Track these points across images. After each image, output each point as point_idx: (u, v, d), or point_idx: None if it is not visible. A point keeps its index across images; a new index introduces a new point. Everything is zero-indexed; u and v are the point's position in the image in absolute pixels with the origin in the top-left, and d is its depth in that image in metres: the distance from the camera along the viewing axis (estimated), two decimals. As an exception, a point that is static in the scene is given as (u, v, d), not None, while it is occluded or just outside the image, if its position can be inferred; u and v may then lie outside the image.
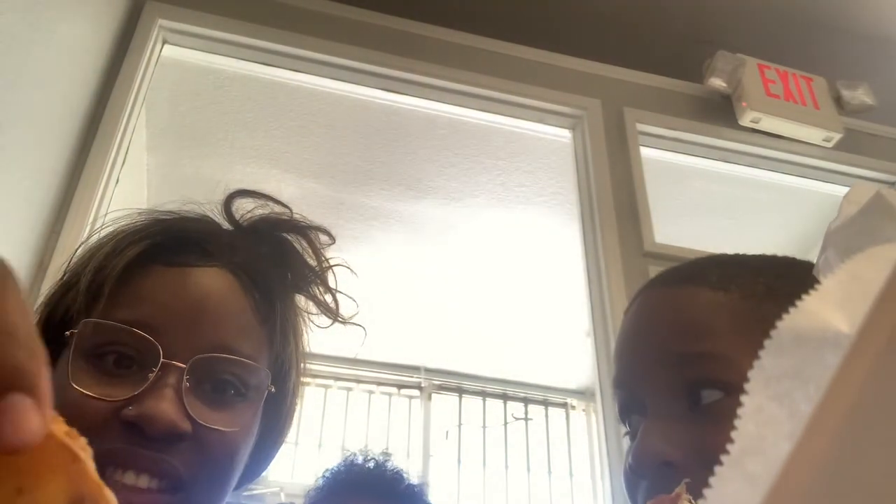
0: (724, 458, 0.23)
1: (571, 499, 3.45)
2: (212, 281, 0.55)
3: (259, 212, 0.63)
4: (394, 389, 3.56)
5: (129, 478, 0.48)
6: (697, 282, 0.57)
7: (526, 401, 3.66)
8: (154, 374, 0.50)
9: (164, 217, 0.60)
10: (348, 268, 0.66)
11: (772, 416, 0.22)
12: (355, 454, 1.21)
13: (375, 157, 2.43)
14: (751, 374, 0.24)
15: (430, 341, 3.43)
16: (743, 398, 0.23)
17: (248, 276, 0.57)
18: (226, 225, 0.63)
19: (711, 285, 0.56)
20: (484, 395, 3.62)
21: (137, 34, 1.83)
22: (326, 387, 3.43)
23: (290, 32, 1.97)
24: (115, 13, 1.81)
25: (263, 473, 0.65)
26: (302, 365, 0.63)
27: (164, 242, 0.56)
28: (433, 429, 3.47)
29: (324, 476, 1.18)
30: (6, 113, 1.33)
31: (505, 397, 3.64)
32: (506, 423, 3.57)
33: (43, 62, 1.46)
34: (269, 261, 0.61)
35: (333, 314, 0.63)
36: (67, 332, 0.52)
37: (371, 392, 3.52)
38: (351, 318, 0.64)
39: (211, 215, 0.63)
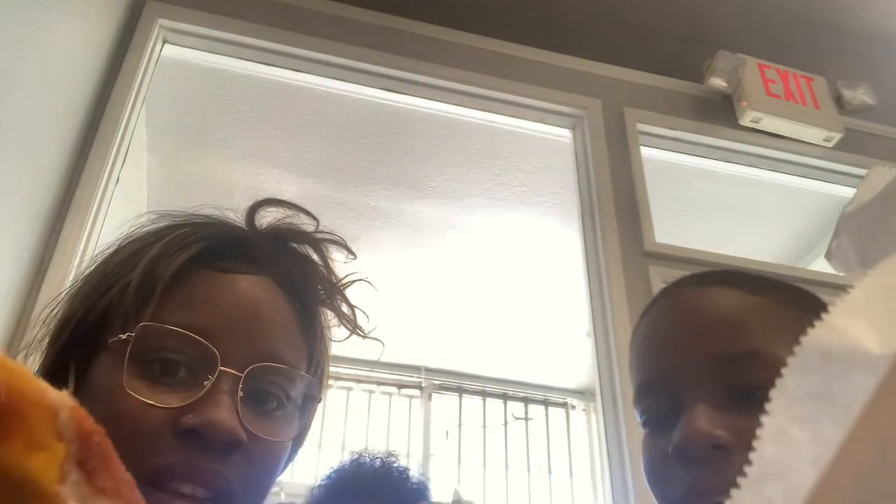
0: (741, 480, 0.22)
1: (571, 499, 3.45)
2: (261, 289, 0.55)
3: (287, 221, 0.62)
4: (394, 389, 3.56)
5: (187, 489, 0.47)
6: (731, 285, 0.57)
7: (526, 401, 3.66)
8: (209, 381, 0.48)
9: (208, 221, 0.59)
10: (369, 282, 0.65)
11: (794, 439, 0.21)
12: (361, 454, 1.20)
13: (375, 157, 2.43)
14: (772, 393, 0.22)
15: (430, 341, 3.43)
16: (763, 419, 0.22)
17: (290, 286, 0.57)
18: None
19: (745, 289, 0.56)
20: (484, 395, 3.62)
21: (137, 34, 1.83)
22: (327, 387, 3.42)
23: (290, 32, 1.97)
24: (115, 13, 1.81)
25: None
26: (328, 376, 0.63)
27: (214, 248, 0.55)
28: (433, 429, 3.47)
29: (329, 475, 1.17)
30: (6, 113, 1.33)
31: (505, 397, 3.64)
32: (506, 423, 3.57)
33: (43, 62, 1.46)
34: (303, 272, 0.61)
35: (354, 327, 0.63)
36: (122, 336, 0.49)
37: (371, 392, 3.52)
38: (370, 332, 0.65)
39: (237, 222, 0.62)
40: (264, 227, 0.61)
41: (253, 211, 0.61)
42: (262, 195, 0.63)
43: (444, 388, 3.59)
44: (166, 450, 0.46)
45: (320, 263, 0.62)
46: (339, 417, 3.39)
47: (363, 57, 2.01)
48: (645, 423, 0.57)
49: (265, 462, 0.51)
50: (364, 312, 0.64)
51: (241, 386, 0.49)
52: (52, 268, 1.48)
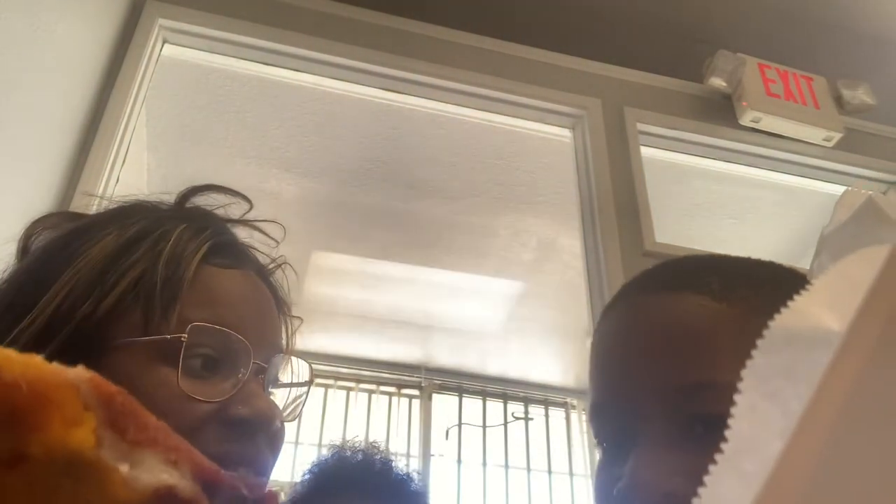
0: (717, 456, 0.23)
1: (571, 499, 3.45)
2: (255, 284, 0.58)
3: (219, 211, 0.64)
4: (394, 389, 3.56)
5: (242, 472, 0.49)
6: (698, 288, 0.51)
7: (526, 401, 3.66)
8: (243, 374, 0.51)
9: (201, 214, 0.61)
10: (290, 265, 0.66)
11: (765, 414, 0.22)
12: (342, 447, 1.19)
13: (375, 157, 2.43)
14: (744, 372, 0.24)
15: (430, 341, 3.43)
16: (736, 397, 0.23)
17: (264, 276, 0.61)
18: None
19: (714, 295, 0.50)
20: (484, 395, 3.62)
21: (137, 34, 1.84)
22: (327, 386, 3.43)
23: (290, 32, 1.97)
24: (115, 13, 1.81)
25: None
26: None
27: (220, 246, 0.57)
28: (433, 429, 3.47)
29: (310, 470, 1.15)
30: (6, 113, 1.33)
31: (505, 397, 3.64)
32: (506, 423, 3.57)
33: (43, 62, 1.46)
34: (262, 262, 0.63)
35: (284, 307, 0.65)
36: (176, 336, 0.49)
37: (371, 392, 3.52)
38: (298, 327, 0.67)
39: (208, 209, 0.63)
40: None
41: (187, 197, 0.63)
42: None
43: (444, 388, 3.59)
44: (211, 438, 0.49)
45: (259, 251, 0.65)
46: (339, 417, 3.39)
47: (363, 57, 2.01)
48: (598, 444, 0.53)
49: (281, 445, 0.55)
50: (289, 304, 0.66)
51: (261, 376, 0.54)
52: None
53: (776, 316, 0.24)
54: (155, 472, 0.23)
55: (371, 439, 1.25)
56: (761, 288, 0.51)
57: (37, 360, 0.23)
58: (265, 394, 0.53)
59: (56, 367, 0.23)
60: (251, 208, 0.64)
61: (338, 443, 1.20)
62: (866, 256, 0.25)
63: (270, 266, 0.64)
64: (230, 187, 0.64)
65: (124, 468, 0.23)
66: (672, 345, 0.48)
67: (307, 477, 1.13)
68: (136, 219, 0.57)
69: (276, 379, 0.58)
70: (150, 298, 0.51)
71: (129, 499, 0.23)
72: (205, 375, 0.50)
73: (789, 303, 0.24)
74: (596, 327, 0.57)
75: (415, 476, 1.16)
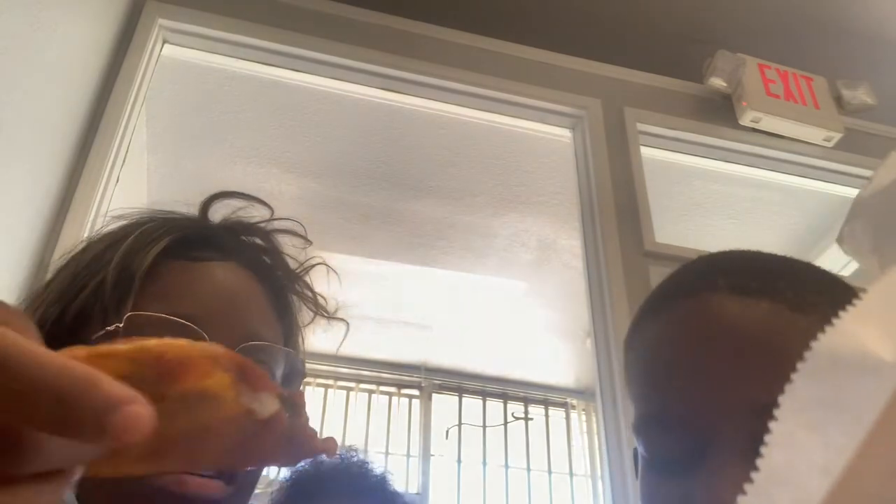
0: (748, 486, 0.21)
1: (571, 499, 3.45)
2: (234, 274, 0.57)
3: (240, 214, 0.64)
4: (394, 389, 3.56)
5: (198, 469, 0.48)
6: (774, 297, 0.46)
7: (526, 401, 3.66)
8: None
9: (172, 216, 0.61)
10: (327, 266, 0.67)
11: (803, 445, 0.20)
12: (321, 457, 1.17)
13: (375, 157, 2.43)
14: (781, 398, 0.22)
15: (430, 341, 3.43)
16: (772, 424, 0.21)
17: (257, 270, 0.60)
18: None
19: (790, 304, 0.46)
20: (484, 395, 3.62)
21: (137, 34, 1.83)
22: (327, 386, 3.43)
23: (290, 32, 1.97)
24: (115, 13, 1.81)
25: (263, 472, 0.65)
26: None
27: (182, 239, 0.57)
28: (433, 429, 3.47)
29: (288, 477, 1.15)
30: (6, 113, 1.33)
31: (505, 397, 3.64)
32: (506, 423, 3.57)
33: (43, 62, 1.46)
34: (266, 258, 0.63)
35: (319, 309, 0.65)
36: (110, 328, 0.50)
37: (371, 392, 3.52)
38: (335, 312, 0.66)
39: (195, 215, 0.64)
40: (230, 219, 0.63)
41: (207, 204, 0.63)
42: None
43: (444, 388, 3.59)
44: None
45: (278, 251, 0.64)
46: (339, 417, 3.39)
47: (363, 57, 2.01)
48: (648, 456, 0.48)
49: None
50: (324, 297, 0.65)
51: None
52: (52, 268, 1.47)
53: (820, 336, 0.22)
54: (271, 405, 0.30)
55: (350, 442, 1.24)
56: (831, 294, 0.47)
57: (182, 341, 0.27)
58: None
59: (198, 343, 0.28)
60: (273, 213, 0.65)
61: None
62: None
63: (300, 269, 0.64)
64: (250, 193, 0.65)
65: (255, 405, 0.29)
66: (753, 359, 0.44)
67: (286, 483, 1.13)
68: (113, 228, 0.59)
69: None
70: (104, 298, 0.52)
71: (248, 419, 0.29)
72: None
73: (835, 321, 0.22)
74: (637, 324, 0.52)
75: (390, 476, 1.15)
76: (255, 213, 0.65)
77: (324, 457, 1.14)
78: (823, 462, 0.20)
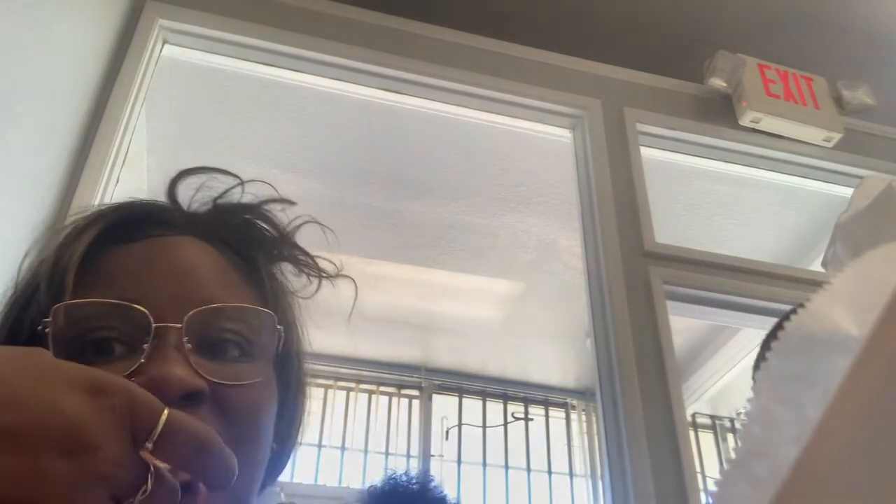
0: (728, 459, 0.22)
1: (571, 499, 3.45)
2: (182, 245, 0.53)
3: (206, 194, 0.61)
4: (394, 389, 3.56)
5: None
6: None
7: (526, 401, 3.66)
8: (149, 343, 0.46)
9: (111, 205, 0.58)
10: (318, 222, 0.63)
11: (778, 418, 0.22)
12: (398, 474, 1.18)
13: (375, 157, 2.43)
14: (757, 375, 0.23)
15: (430, 341, 3.43)
16: (749, 400, 0.23)
17: (218, 238, 0.56)
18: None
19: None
20: (484, 395, 3.62)
21: (137, 34, 1.83)
22: (327, 387, 3.43)
23: (290, 32, 1.97)
24: (115, 13, 1.81)
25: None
26: (305, 343, 0.60)
27: (119, 222, 0.54)
28: (433, 429, 3.47)
29: (368, 494, 1.15)
30: (6, 113, 1.33)
31: (505, 397, 3.64)
32: (506, 423, 3.57)
33: (43, 62, 1.46)
34: (236, 232, 0.59)
35: (316, 269, 0.60)
36: (38, 327, 0.47)
37: (371, 392, 3.52)
38: (337, 274, 0.61)
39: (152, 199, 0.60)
40: (198, 201, 0.60)
41: (174, 184, 0.60)
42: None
43: (444, 388, 3.59)
44: None
45: (260, 221, 0.60)
46: (339, 418, 3.39)
47: (363, 57, 2.01)
48: None
49: (240, 408, 0.48)
50: (322, 257, 0.61)
51: (185, 338, 0.47)
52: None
53: (792, 317, 0.23)
54: None
55: (387, 448, 1.26)
56: None
57: None
58: (180, 357, 0.45)
59: None
60: (241, 183, 0.62)
61: (391, 472, 1.20)
62: (888, 255, 0.24)
63: (287, 231, 0.60)
64: (218, 167, 0.61)
65: None
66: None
67: (365, 500, 1.13)
68: (62, 226, 0.56)
69: (236, 340, 0.50)
70: (41, 300, 0.50)
71: None
72: (101, 361, 0.45)
73: (805, 303, 0.23)
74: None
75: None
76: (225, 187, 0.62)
77: (402, 478, 1.14)
78: (796, 433, 0.21)
